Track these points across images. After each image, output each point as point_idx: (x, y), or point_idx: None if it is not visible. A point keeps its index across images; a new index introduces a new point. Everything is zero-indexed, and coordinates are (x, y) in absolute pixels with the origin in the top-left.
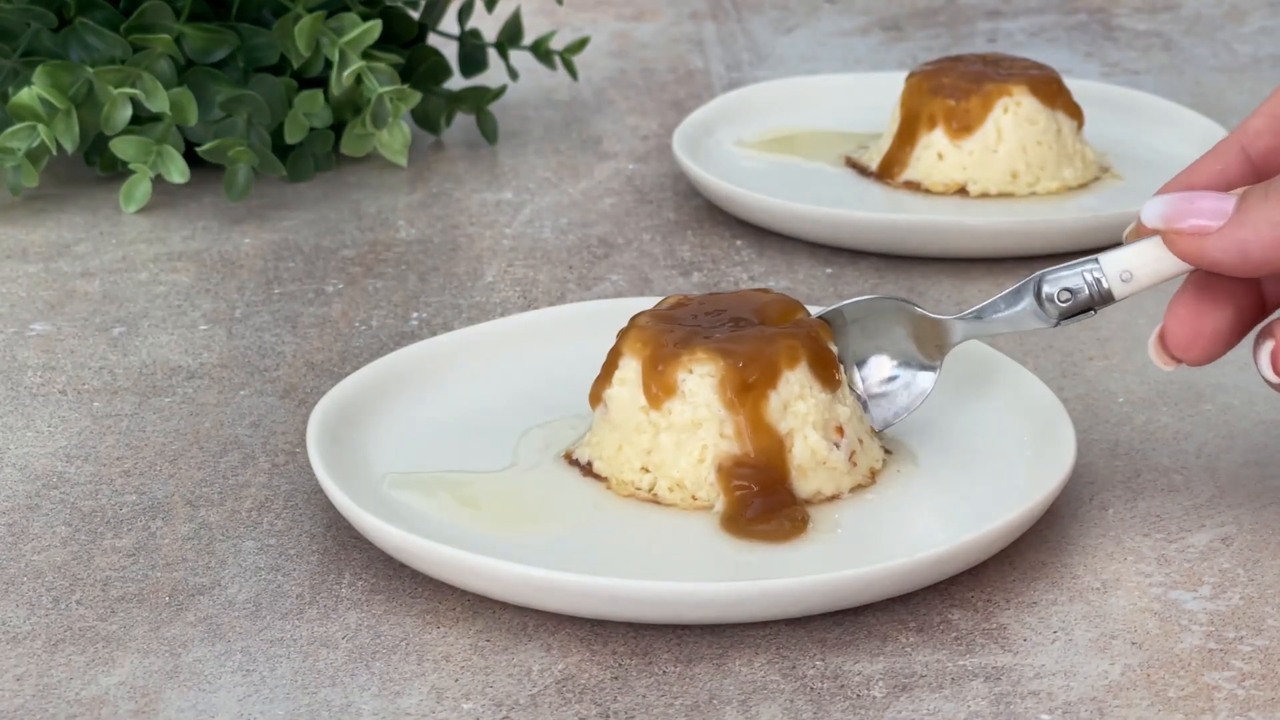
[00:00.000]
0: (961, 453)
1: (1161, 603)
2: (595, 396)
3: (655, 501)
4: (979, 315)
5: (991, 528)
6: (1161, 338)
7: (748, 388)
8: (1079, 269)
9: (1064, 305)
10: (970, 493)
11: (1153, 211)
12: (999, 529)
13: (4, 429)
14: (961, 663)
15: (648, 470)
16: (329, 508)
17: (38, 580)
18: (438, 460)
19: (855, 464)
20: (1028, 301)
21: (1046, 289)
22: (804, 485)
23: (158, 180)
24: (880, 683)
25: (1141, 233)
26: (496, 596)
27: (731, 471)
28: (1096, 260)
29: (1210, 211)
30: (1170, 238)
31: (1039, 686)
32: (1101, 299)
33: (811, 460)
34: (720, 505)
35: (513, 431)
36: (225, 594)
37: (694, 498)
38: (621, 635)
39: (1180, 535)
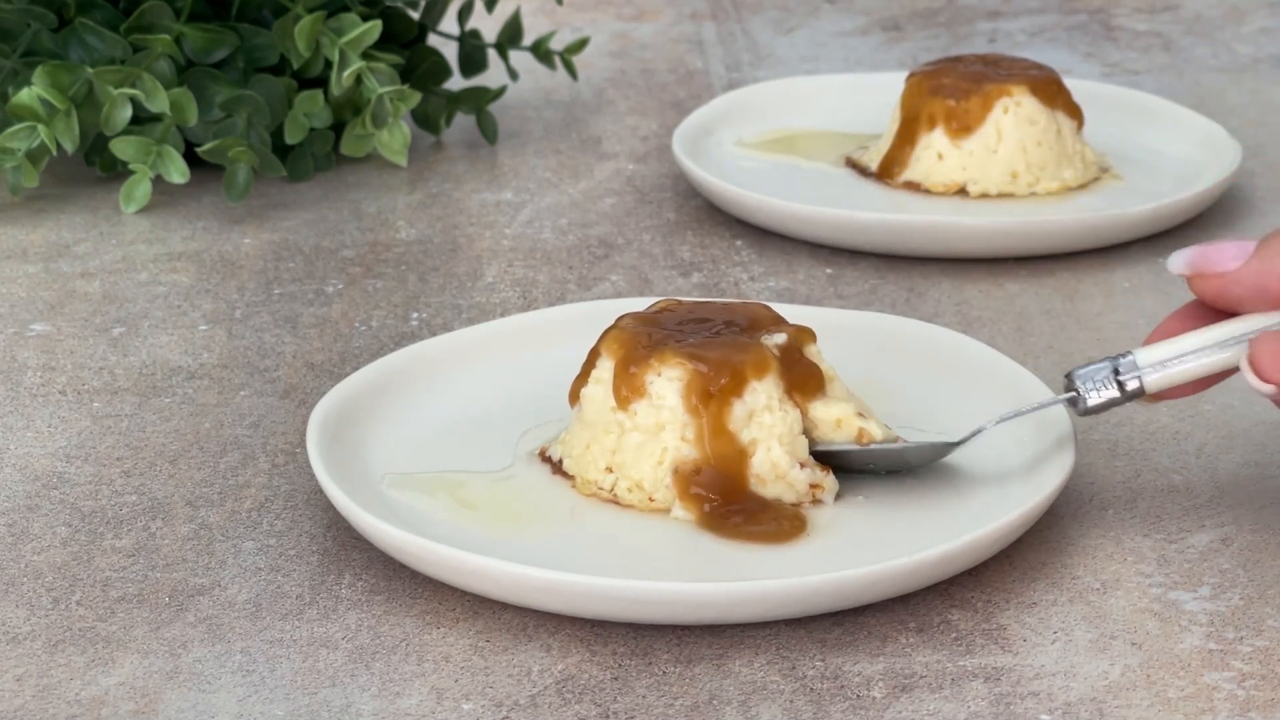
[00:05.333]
0: (961, 453)
1: (1161, 603)
2: (574, 395)
3: (615, 502)
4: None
5: (991, 528)
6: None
7: (711, 394)
8: (1112, 384)
9: (1094, 405)
10: (970, 493)
11: (1179, 260)
12: (999, 529)
13: (4, 429)
14: (961, 663)
15: (611, 470)
16: (329, 508)
17: (38, 580)
18: (437, 460)
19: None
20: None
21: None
22: (763, 492)
23: (158, 180)
24: (880, 683)
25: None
26: (496, 597)
27: (689, 477)
28: (1135, 366)
29: (1232, 254)
30: (1196, 282)
31: (1039, 687)
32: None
33: (772, 473)
34: (677, 510)
35: (512, 432)
36: (225, 594)
37: (651, 499)
38: (621, 635)
39: (1180, 535)
